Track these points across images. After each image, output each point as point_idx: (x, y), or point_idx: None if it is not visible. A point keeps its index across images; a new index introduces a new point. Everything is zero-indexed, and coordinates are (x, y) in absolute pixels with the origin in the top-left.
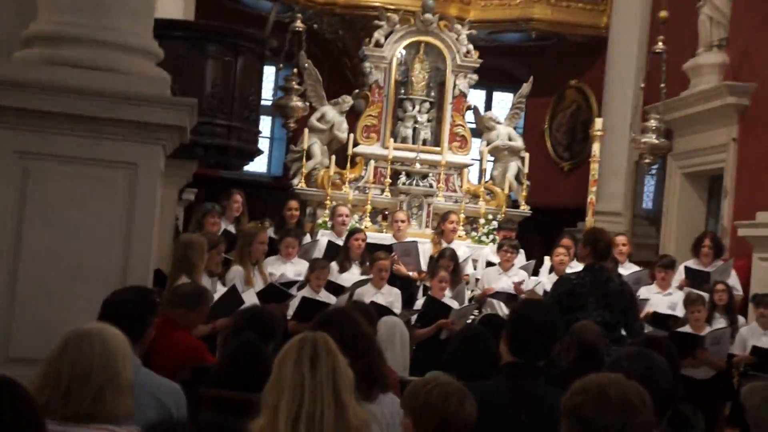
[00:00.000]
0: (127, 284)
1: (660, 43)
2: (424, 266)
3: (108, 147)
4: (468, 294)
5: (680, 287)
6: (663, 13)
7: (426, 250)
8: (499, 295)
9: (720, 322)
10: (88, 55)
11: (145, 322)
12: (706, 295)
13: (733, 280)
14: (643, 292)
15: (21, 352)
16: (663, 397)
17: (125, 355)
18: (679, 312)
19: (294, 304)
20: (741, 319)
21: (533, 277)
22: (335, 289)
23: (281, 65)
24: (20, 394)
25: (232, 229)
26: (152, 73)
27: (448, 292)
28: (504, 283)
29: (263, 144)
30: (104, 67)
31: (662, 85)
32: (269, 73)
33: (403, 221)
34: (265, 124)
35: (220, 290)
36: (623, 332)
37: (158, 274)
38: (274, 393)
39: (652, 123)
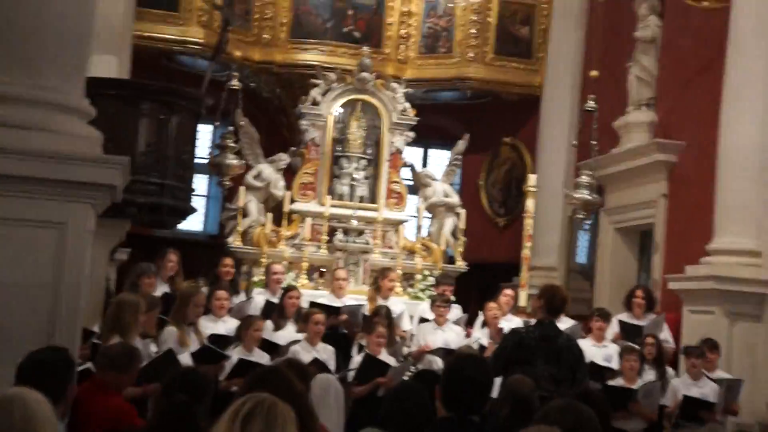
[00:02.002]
0: (54, 343)
1: (591, 102)
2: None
3: (36, 207)
4: (405, 350)
5: (614, 340)
6: (594, 73)
7: (365, 307)
8: (436, 351)
9: (649, 374)
10: (18, 114)
11: (65, 380)
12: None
13: (665, 333)
14: None
15: None
16: None
17: (48, 420)
18: (615, 364)
19: (229, 365)
20: (670, 370)
21: (475, 334)
22: (271, 347)
23: (217, 123)
24: None
25: (166, 288)
26: (83, 131)
27: (384, 350)
28: (439, 337)
29: (199, 202)
30: (34, 126)
31: (593, 142)
32: (205, 131)
33: (344, 279)
34: (201, 182)
35: (154, 351)
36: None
37: (86, 332)
38: None
39: (585, 179)
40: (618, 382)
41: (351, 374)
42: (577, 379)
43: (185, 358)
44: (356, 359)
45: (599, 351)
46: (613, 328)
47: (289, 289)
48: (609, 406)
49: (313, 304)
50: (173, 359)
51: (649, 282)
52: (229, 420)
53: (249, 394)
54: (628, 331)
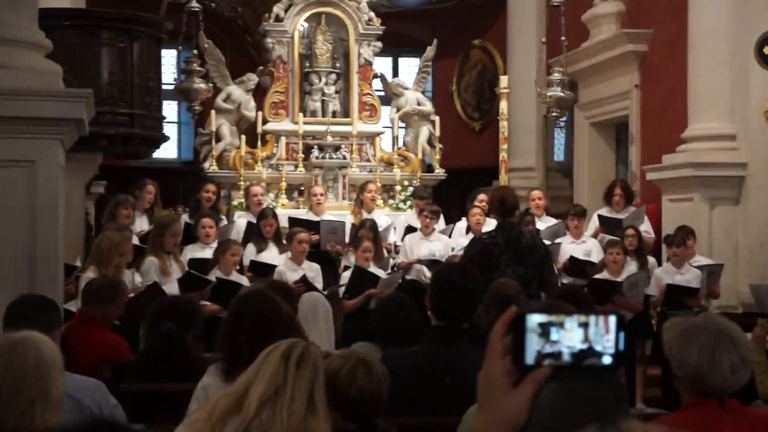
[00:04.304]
0: (36, 283)
1: None
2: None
3: (2, 146)
4: (391, 262)
5: (594, 235)
6: None
7: (347, 222)
8: (422, 261)
9: (631, 266)
10: None
11: (51, 322)
12: None
13: (646, 224)
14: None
15: None
16: None
17: (58, 367)
18: (594, 258)
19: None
20: (652, 260)
21: (459, 239)
22: (264, 268)
23: (181, 47)
24: None
25: (144, 219)
26: (42, 65)
27: (372, 263)
28: (425, 248)
29: (170, 129)
30: None
31: (563, 38)
32: (170, 56)
33: (321, 194)
34: (171, 109)
35: (138, 282)
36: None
37: (69, 267)
38: (252, 375)
39: (556, 76)
40: (603, 275)
41: (341, 290)
42: (545, 278)
43: (170, 288)
44: (345, 275)
45: (578, 247)
46: (593, 223)
47: (261, 216)
48: (593, 301)
49: (292, 220)
50: (159, 291)
51: (628, 175)
52: (282, 358)
53: (238, 318)
54: (608, 225)
